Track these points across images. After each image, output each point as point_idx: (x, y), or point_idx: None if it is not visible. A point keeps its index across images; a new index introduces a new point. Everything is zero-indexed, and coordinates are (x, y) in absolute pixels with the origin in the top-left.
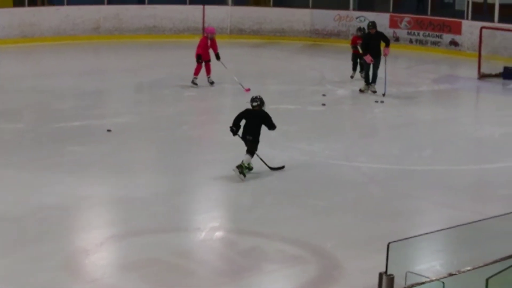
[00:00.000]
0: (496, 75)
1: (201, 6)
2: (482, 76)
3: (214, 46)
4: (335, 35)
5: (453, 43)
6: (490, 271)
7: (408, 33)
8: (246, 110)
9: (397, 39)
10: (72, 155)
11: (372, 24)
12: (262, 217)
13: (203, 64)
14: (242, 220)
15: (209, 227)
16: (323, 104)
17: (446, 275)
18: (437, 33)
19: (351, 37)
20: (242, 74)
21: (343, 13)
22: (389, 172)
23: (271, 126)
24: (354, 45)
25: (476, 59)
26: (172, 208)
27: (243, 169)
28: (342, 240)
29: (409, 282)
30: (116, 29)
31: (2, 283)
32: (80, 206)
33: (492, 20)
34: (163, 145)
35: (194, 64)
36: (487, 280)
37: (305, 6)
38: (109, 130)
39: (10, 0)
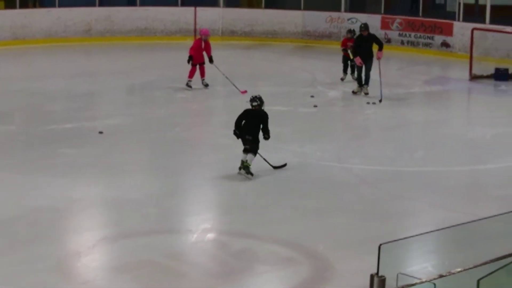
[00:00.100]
0: (488, 77)
1: (192, 8)
2: (474, 78)
3: (207, 49)
4: (327, 36)
5: (445, 44)
6: (482, 272)
7: (400, 35)
8: (246, 111)
9: (388, 41)
10: (64, 157)
11: (365, 26)
12: (254, 218)
13: (198, 66)
14: (234, 222)
15: (201, 229)
16: (315, 106)
17: (436, 277)
18: (429, 35)
19: (342, 39)
20: (234, 75)
21: (334, 14)
22: (381, 173)
23: (266, 131)
24: (344, 48)
25: (468, 60)
26: (164, 210)
27: (248, 168)
28: (334, 241)
29: (400, 284)
30: (107, 31)
31: None
32: (72, 208)
33: (483, 22)
34: (155, 147)
35: (186, 66)
36: (478, 281)
37: (297, 7)
38: (101, 132)
39: (1, 2)
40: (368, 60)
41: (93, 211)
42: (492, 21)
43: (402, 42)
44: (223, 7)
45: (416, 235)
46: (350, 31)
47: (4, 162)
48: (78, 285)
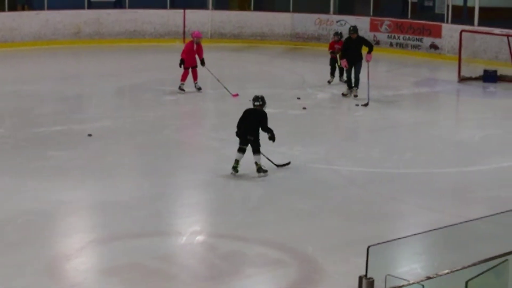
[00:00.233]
0: (476, 78)
1: (181, 10)
2: (462, 79)
3: (199, 51)
4: (316, 39)
5: (433, 46)
6: (471, 274)
7: (389, 37)
8: (246, 111)
9: (377, 43)
10: (53, 160)
11: (353, 29)
12: (243, 221)
13: (190, 70)
14: (223, 224)
15: (190, 231)
16: (304, 108)
17: (424, 278)
18: (417, 37)
19: (330, 42)
20: (223, 78)
21: (323, 17)
22: (369, 175)
23: (267, 130)
24: (332, 50)
25: (456, 62)
26: (153, 212)
27: (260, 167)
28: (323, 243)
29: (388, 285)
30: (96, 34)
31: None
32: (61, 211)
33: (472, 24)
34: (144, 150)
35: (175, 68)
36: (466, 282)
37: (286, 10)
38: (90, 135)
39: None
40: (357, 63)
41: (82, 214)
42: (481, 23)
43: (391, 44)
44: (212, 9)
45: (405, 236)
46: (337, 34)
47: None
48: None
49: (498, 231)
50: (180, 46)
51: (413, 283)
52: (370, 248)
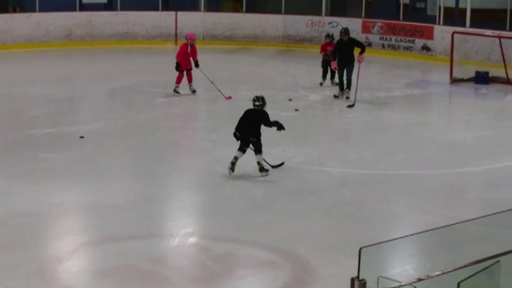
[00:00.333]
0: (468, 80)
1: (173, 12)
2: (454, 81)
3: (194, 53)
4: (308, 40)
5: (425, 48)
6: (463, 275)
7: (381, 38)
8: (247, 111)
9: (369, 44)
10: (45, 162)
11: (345, 31)
12: (235, 222)
13: (185, 72)
14: (215, 226)
15: (182, 233)
16: (296, 110)
17: (416, 280)
18: (409, 38)
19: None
20: (215, 80)
21: (315, 18)
22: (362, 176)
23: (272, 125)
24: (324, 53)
25: (448, 63)
26: (146, 214)
27: (263, 167)
28: (315, 245)
29: (381, 287)
30: (88, 36)
31: None
32: (53, 213)
33: (463, 25)
34: (136, 152)
35: (167, 70)
36: (458, 284)
37: (278, 11)
38: (81, 137)
39: None
40: (349, 64)
41: (74, 216)
42: (473, 25)
43: (383, 46)
44: (204, 11)
45: (397, 238)
46: (329, 36)
47: None
48: None
49: (490, 232)
50: (172, 48)
51: (405, 285)
52: (362, 250)
